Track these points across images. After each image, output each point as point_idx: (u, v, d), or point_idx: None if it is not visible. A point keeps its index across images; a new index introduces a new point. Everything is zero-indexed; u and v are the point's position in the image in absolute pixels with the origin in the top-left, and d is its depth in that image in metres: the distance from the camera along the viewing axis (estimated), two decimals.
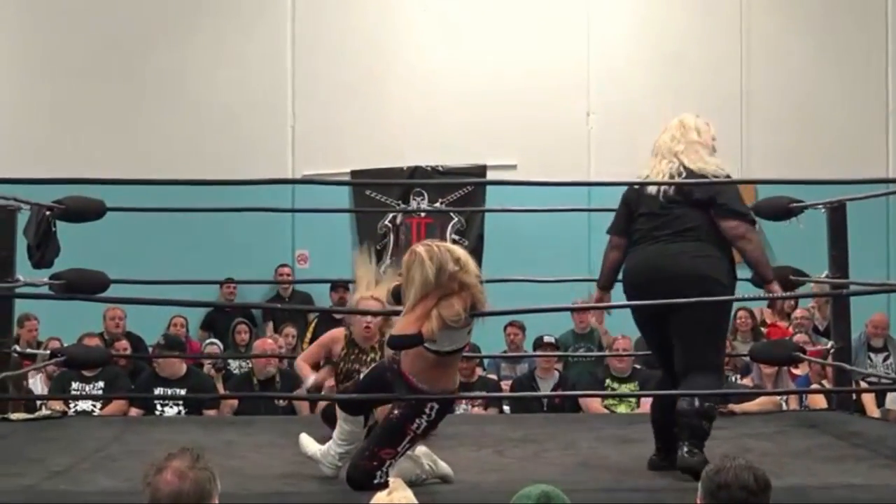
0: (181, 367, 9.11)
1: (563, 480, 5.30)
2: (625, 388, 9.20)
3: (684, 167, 5.91)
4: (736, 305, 10.90)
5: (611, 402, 9.27)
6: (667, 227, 5.88)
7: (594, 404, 9.25)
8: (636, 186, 6.06)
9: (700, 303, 5.71)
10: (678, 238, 5.84)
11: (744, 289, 6.78)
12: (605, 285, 6.30)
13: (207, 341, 11.23)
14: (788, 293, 6.32)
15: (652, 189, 5.95)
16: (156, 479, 3.19)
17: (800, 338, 9.67)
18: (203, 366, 10.31)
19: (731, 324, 10.77)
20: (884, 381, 9.58)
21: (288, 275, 12.56)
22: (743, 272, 6.21)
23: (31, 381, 9.53)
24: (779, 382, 9.00)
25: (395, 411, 5.54)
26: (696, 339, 5.79)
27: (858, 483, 5.59)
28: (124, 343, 10.43)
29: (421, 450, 5.70)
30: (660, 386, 6.29)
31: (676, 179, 5.90)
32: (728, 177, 5.97)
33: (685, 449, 5.64)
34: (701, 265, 5.80)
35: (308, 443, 5.90)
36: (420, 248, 5.56)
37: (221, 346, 11.13)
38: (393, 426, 5.52)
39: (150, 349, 10.49)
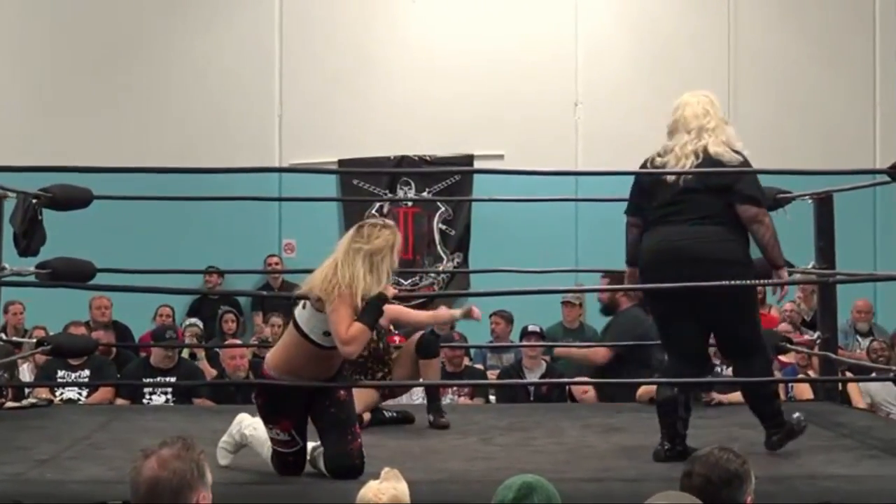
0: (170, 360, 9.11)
1: (549, 468, 5.31)
2: None
3: (703, 151, 5.84)
4: None
5: None
6: (686, 212, 5.85)
7: (584, 391, 9.20)
8: (649, 170, 5.99)
9: (739, 288, 5.80)
10: (699, 223, 5.83)
11: None
12: (633, 261, 6.17)
13: (189, 321, 11.16)
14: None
15: (669, 176, 5.89)
16: (139, 465, 3.19)
17: (784, 327, 9.68)
18: (195, 355, 10.28)
19: None
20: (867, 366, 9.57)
21: (277, 264, 12.54)
22: None
23: (18, 369, 9.51)
24: None
25: (331, 409, 5.57)
26: (738, 323, 5.93)
27: (845, 473, 5.60)
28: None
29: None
30: (669, 372, 6.18)
31: (695, 165, 5.82)
32: (745, 161, 5.90)
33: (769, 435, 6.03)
34: (726, 249, 5.82)
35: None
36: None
37: (202, 325, 11.08)
38: (345, 407, 5.61)
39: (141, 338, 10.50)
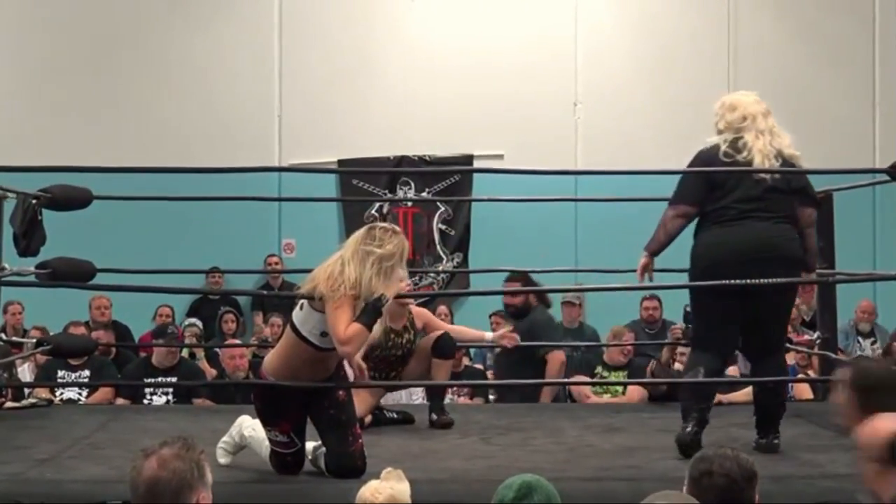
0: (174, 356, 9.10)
1: (548, 468, 5.31)
2: (615, 376, 9.13)
3: (779, 153, 5.93)
4: None
5: (598, 390, 9.22)
6: (771, 210, 5.90)
7: (584, 391, 9.20)
8: (726, 161, 5.93)
9: (794, 287, 6.09)
10: (783, 222, 5.93)
11: None
12: (658, 251, 6.12)
13: (188, 321, 11.15)
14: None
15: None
16: (140, 464, 3.19)
17: None
18: (194, 355, 10.28)
19: None
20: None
21: (277, 264, 12.55)
22: None
23: (18, 369, 9.50)
24: None
25: (331, 411, 5.56)
26: (785, 321, 6.15)
27: (844, 473, 5.59)
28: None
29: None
30: (702, 365, 6.08)
31: (777, 166, 5.90)
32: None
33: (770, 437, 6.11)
34: (800, 249, 5.98)
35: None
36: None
37: (201, 325, 11.07)
38: (345, 408, 5.60)
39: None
